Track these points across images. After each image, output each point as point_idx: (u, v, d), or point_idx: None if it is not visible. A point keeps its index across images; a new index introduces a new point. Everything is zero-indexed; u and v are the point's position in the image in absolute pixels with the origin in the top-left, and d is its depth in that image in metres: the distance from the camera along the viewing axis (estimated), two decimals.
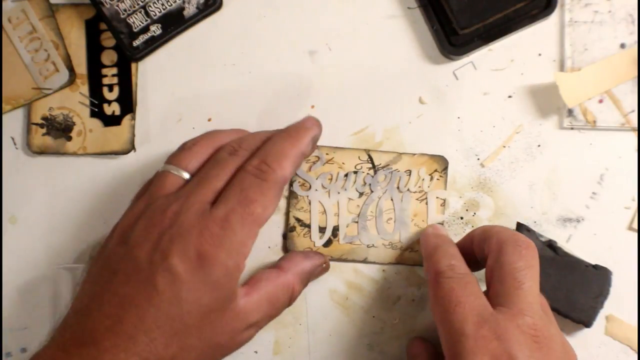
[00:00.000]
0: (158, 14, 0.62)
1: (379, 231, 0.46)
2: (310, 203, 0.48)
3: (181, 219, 0.40)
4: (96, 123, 0.63)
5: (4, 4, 0.63)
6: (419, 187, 0.46)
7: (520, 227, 0.58)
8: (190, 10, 0.62)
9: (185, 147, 0.49)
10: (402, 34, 0.62)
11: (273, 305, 0.45)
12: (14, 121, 0.64)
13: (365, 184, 0.46)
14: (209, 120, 0.63)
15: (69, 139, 0.63)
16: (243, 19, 0.63)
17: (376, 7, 0.63)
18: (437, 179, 0.47)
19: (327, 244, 0.47)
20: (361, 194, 0.46)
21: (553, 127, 0.61)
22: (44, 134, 0.63)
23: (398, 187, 0.46)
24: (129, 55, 0.62)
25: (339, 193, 0.46)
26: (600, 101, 0.60)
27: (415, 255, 0.46)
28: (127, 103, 0.63)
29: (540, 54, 0.61)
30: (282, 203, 0.62)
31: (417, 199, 0.47)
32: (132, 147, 0.62)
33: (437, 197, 0.46)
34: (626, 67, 0.59)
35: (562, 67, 0.61)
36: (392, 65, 0.62)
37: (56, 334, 0.41)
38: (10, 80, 0.63)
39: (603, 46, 0.60)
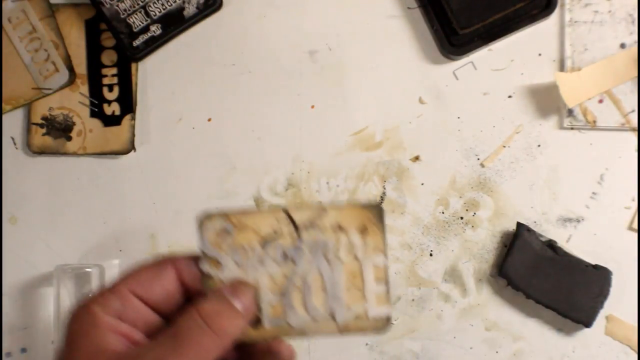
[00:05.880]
0: (158, 14, 0.62)
1: (309, 310, 0.38)
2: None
3: None
4: (96, 123, 0.63)
5: (4, 4, 0.63)
6: (352, 254, 0.38)
7: (520, 227, 0.58)
8: (190, 10, 0.62)
9: None
10: (402, 34, 0.62)
11: None
12: (14, 121, 0.64)
13: (286, 256, 0.37)
14: (209, 120, 0.63)
15: (69, 139, 0.63)
16: (243, 19, 0.63)
17: (376, 7, 0.63)
18: (373, 233, 0.37)
19: (255, 325, 0.37)
20: (283, 268, 0.37)
21: (553, 127, 0.61)
22: (44, 134, 0.63)
23: (326, 257, 0.38)
24: (129, 55, 0.62)
25: (256, 269, 0.37)
26: (600, 101, 0.60)
27: (362, 323, 0.37)
28: (127, 103, 0.63)
29: (540, 54, 0.61)
30: None
31: (350, 268, 0.38)
32: (132, 147, 0.62)
33: (374, 266, 0.38)
34: (626, 67, 0.59)
35: (562, 67, 0.61)
36: (392, 65, 0.62)
37: None
38: (10, 80, 0.63)
39: (603, 46, 0.60)
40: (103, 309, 0.34)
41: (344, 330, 0.38)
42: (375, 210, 0.38)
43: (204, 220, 0.37)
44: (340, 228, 0.38)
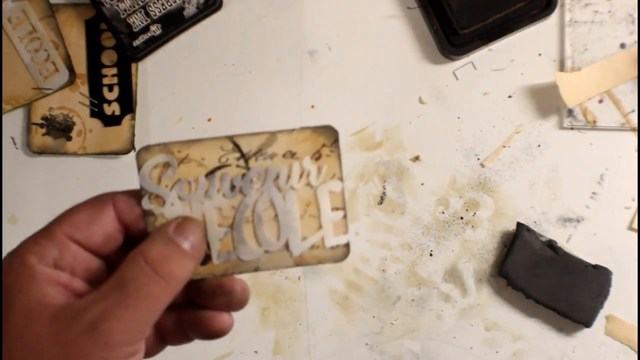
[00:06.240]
0: (158, 14, 0.62)
1: (261, 242, 0.35)
2: None
3: None
4: (96, 123, 0.63)
5: (4, 4, 0.63)
6: (305, 182, 0.35)
7: (520, 227, 0.58)
8: (190, 10, 0.62)
9: None
10: (402, 34, 0.62)
11: None
12: (14, 121, 0.64)
13: (234, 187, 0.35)
14: (209, 120, 0.63)
15: (69, 139, 0.63)
16: (243, 19, 0.63)
17: (376, 7, 0.63)
18: (327, 158, 0.35)
19: (204, 262, 0.35)
20: (231, 200, 0.35)
21: (553, 127, 0.61)
22: (44, 134, 0.63)
23: (277, 186, 0.35)
24: (129, 55, 0.62)
25: (202, 203, 0.35)
26: (600, 101, 0.60)
27: (318, 252, 0.35)
28: (127, 103, 0.63)
29: (540, 54, 0.61)
30: None
31: (304, 196, 0.35)
32: (132, 147, 0.62)
33: (330, 192, 0.35)
34: (626, 67, 0.59)
35: (562, 67, 0.61)
36: (392, 65, 0.62)
37: None
38: (10, 80, 0.63)
39: (603, 46, 0.60)
40: (39, 259, 0.31)
41: (299, 261, 0.35)
42: (329, 133, 0.35)
43: (142, 154, 0.34)
44: (292, 155, 0.35)
